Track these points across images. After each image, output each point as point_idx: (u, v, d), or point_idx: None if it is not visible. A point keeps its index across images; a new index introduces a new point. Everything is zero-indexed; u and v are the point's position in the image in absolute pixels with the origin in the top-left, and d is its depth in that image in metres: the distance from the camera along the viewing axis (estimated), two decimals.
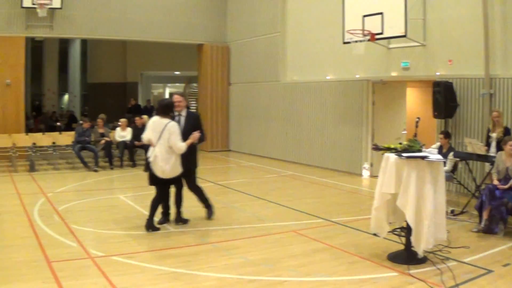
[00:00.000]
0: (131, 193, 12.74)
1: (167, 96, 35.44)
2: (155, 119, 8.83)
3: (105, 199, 11.99)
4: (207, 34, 21.53)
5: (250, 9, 20.49)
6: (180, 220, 9.45)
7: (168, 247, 7.98)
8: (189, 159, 9.06)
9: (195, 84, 29.20)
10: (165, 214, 9.54)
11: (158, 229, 9.00)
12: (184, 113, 9.25)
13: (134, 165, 16.77)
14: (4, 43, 18.54)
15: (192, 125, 9.09)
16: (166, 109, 8.81)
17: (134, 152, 17.10)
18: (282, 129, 18.42)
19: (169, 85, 35.90)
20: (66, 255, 7.48)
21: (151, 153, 8.77)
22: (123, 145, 16.77)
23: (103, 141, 16.61)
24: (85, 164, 16.34)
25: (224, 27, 21.87)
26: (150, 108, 26.68)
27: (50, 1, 18.12)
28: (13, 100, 18.68)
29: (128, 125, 17.35)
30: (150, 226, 8.92)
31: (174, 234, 8.78)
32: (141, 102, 28.95)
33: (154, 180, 8.99)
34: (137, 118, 17.65)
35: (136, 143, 16.75)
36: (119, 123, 17.41)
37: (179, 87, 35.46)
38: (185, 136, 8.77)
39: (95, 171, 16.04)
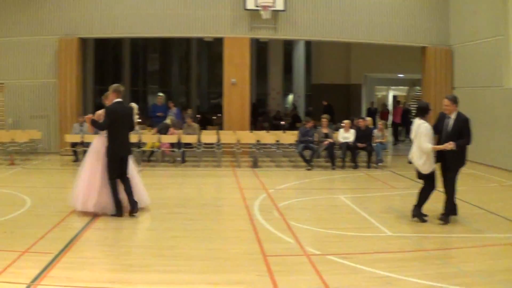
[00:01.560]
0: (351, 194, 12.56)
1: (390, 99, 34.97)
2: (415, 120, 9.52)
3: (325, 199, 11.93)
4: (430, 37, 20.66)
5: (472, 12, 19.26)
6: (418, 215, 9.48)
7: (383, 250, 7.72)
8: (457, 157, 9.29)
9: (418, 88, 28.32)
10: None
11: (424, 220, 9.40)
12: (453, 115, 9.37)
13: (356, 166, 16.50)
14: (229, 44, 19.55)
15: (458, 127, 9.23)
16: (421, 111, 9.53)
17: (356, 153, 16.83)
18: (505, 136, 17.09)
19: (392, 87, 35.35)
20: (282, 251, 7.55)
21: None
22: (346, 146, 16.59)
23: (326, 142, 16.58)
24: (307, 163, 16.43)
25: (447, 30, 20.80)
26: (373, 110, 26.38)
27: (273, 4, 18.57)
28: (238, 99, 19.53)
29: (351, 127, 17.14)
30: (417, 215, 9.45)
31: (391, 238, 8.44)
32: (364, 104, 28.75)
33: (418, 174, 9.56)
34: (360, 120, 17.40)
35: (359, 144, 16.52)
36: (342, 124, 17.26)
37: (402, 90, 34.77)
38: (450, 137, 9.12)
39: (309, 169, 16.16)
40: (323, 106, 24.92)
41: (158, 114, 19.41)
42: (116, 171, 9.72)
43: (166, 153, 17.55)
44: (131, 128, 10.42)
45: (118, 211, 9.63)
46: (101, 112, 10.07)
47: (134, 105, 10.48)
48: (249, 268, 6.74)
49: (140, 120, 20.15)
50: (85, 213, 9.62)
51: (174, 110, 20.20)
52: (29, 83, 20.19)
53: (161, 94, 21.24)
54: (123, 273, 6.63)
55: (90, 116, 10.03)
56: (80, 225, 8.99)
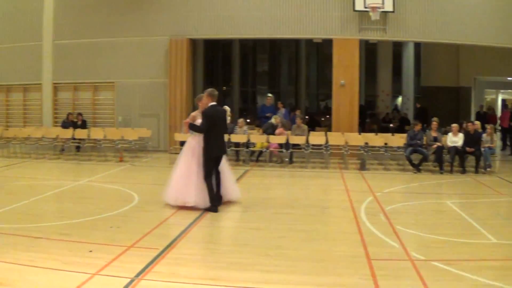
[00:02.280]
0: (458, 200, 12.38)
1: (499, 102, 33.91)
2: None
3: (432, 203, 11.80)
4: None
5: None
6: None
7: (488, 258, 7.58)
8: None
9: None
10: None
11: None
12: None
13: (463, 171, 16.17)
14: (338, 45, 19.73)
15: None
16: None
17: (465, 158, 16.53)
18: None
19: (502, 91, 34.18)
20: (386, 255, 7.59)
21: None
22: (454, 150, 16.32)
23: (435, 145, 16.40)
24: (414, 167, 16.32)
25: None
26: (483, 114, 25.72)
27: (382, 5, 18.54)
28: (347, 100, 19.65)
29: (460, 130, 16.85)
30: None
31: (496, 246, 8.26)
32: (473, 107, 28.01)
33: None
34: (469, 124, 17.07)
35: (467, 149, 16.24)
36: (451, 128, 17.00)
37: (511, 93, 33.63)
38: None
39: (416, 173, 16.08)
40: (417, 109, 24.48)
41: (267, 114, 19.76)
42: (211, 170, 10.45)
43: (274, 154, 17.89)
44: (225, 129, 11.26)
45: (213, 207, 10.32)
46: (195, 113, 10.89)
47: (227, 108, 11.17)
48: (352, 271, 6.77)
49: (248, 120, 20.69)
50: (190, 211, 10.15)
51: (282, 110, 20.52)
52: (140, 82, 21.20)
53: (270, 95, 21.62)
54: (227, 271, 6.81)
55: (187, 120, 10.71)
56: (186, 222, 9.40)
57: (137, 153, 19.68)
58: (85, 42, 21.85)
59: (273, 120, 18.61)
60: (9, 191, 12.60)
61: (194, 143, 10.71)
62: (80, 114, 21.24)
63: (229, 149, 17.72)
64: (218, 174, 10.67)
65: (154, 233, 8.73)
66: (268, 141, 17.64)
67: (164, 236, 8.45)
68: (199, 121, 10.63)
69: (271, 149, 17.65)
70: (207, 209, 10.30)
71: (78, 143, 20.25)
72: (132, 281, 6.34)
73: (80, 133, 19.96)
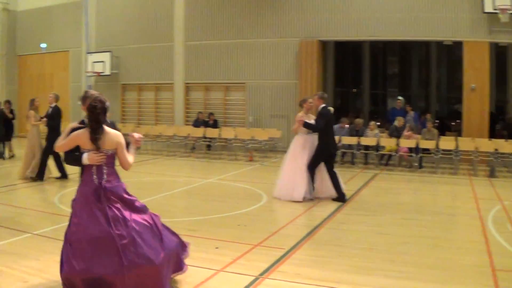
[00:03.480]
0: None
1: None
2: None
3: None
4: None
5: None
6: None
7: None
8: None
9: None
10: None
11: None
12: None
13: None
14: (469, 48, 19.46)
15: None
16: None
17: None
18: None
19: None
20: (511, 266, 7.46)
21: None
22: None
23: None
24: None
25: None
26: None
27: (510, 6, 18.10)
28: (478, 105, 19.33)
29: None
30: None
31: None
32: None
33: None
34: None
35: None
36: None
37: None
38: None
39: None
40: None
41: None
42: (318, 165, 11.54)
43: (404, 158, 17.97)
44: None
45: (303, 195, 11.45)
46: (301, 114, 11.73)
47: (331, 108, 12.08)
48: (475, 281, 6.73)
49: (379, 123, 20.89)
50: (318, 213, 10.63)
51: (412, 114, 20.49)
52: (270, 83, 21.87)
53: (400, 98, 21.60)
54: (350, 274, 6.91)
55: (302, 119, 11.53)
56: (313, 223, 9.77)
57: (267, 153, 20.33)
58: (216, 43, 22.86)
59: (396, 123, 18.71)
60: (140, 186, 13.28)
61: (302, 141, 11.72)
62: (211, 113, 22.22)
63: (358, 152, 18.11)
64: (334, 174, 11.59)
65: (281, 232, 9.10)
66: (397, 145, 17.77)
67: (291, 237, 8.78)
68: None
69: (401, 153, 17.75)
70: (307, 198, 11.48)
71: (209, 142, 21.21)
72: (256, 279, 6.60)
73: (211, 132, 20.92)
